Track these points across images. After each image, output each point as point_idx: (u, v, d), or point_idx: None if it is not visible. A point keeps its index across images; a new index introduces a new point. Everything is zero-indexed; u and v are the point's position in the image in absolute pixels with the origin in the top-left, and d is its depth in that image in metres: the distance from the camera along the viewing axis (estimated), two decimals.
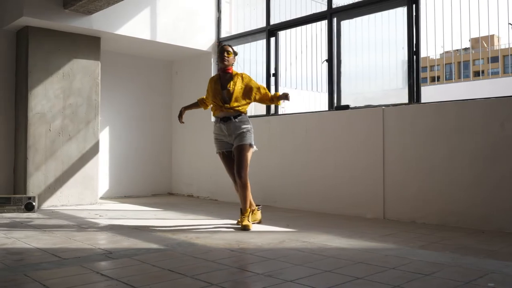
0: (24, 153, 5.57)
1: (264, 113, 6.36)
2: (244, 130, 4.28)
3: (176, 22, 6.56)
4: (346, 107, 5.28)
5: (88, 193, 6.00)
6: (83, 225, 4.38)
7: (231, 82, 4.33)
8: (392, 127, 4.79)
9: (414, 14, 4.84)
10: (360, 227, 4.29)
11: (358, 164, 5.05)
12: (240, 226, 4.26)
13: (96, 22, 5.80)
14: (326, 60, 5.58)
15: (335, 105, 5.49)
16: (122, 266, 2.84)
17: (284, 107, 7.56)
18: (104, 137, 6.75)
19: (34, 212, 5.18)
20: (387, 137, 4.83)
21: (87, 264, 2.86)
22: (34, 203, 5.18)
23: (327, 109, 5.60)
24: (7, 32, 5.80)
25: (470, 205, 4.24)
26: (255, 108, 7.34)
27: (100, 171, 6.43)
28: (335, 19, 5.55)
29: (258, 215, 4.54)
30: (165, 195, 7.43)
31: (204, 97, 4.72)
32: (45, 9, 5.39)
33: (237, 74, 4.42)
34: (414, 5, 4.84)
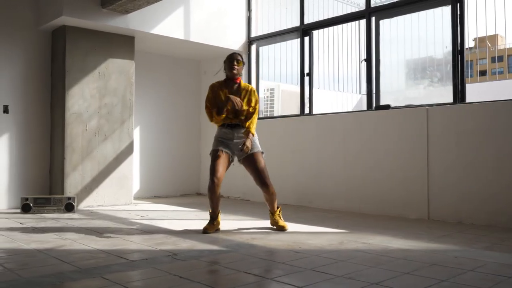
0: (61, 153, 5.54)
1: (298, 113, 6.32)
2: (254, 139, 4.19)
3: (208, 21, 6.53)
4: (387, 106, 5.24)
5: (123, 193, 5.98)
6: (131, 226, 4.35)
7: (241, 96, 4.18)
8: (437, 127, 4.76)
9: (458, 13, 4.81)
10: (409, 227, 4.26)
11: (400, 164, 5.01)
12: (275, 227, 4.23)
13: (132, 22, 5.77)
14: (365, 60, 5.55)
15: (374, 105, 5.45)
16: (195, 268, 2.81)
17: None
18: (135, 137, 6.72)
19: (74, 212, 5.15)
20: (432, 137, 4.79)
21: (159, 266, 2.83)
22: (74, 204, 5.15)
23: (365, 108, 5.57)
24: (42, 32, 5.77)
25: None
26: (287, 108, 7.32)
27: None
28: (373, 18, 5.51)
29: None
30: (193, 195, 7.41)
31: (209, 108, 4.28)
32: (84, 8, 5.37)
33: (246, 87, 4.26)
34: (458, 4, 4.81)
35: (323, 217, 4.94)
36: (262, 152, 4.24)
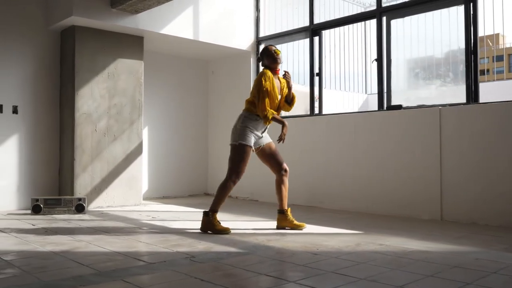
0: (71, 154, 5.52)
1: (305, 113, 6.29)
2: None
3: (217, 21, 6.51)
4: (399, 107, 5.21)
5: (133, 193, 5.95)
6: (143, 227, 4.32)
7: (281, 84, 4.25)
8: (450, 127, 4.73)
9: (472, 13, 4.78)
10: (423, 228, 4.23)
11: (412, 165, 4.98)
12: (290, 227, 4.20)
13: (141, 22, 5.75)
14: (376, 60, 5.52)
15: (386, 105, 5.43)
16: (215, 270, 2.78)
17: None
18: (143, 137, 6.69)
19: (84, 213, 5.13)
20: (445, 137, 4.76)
21: (178, 268, 2.80)
22: (84, 205, 5.12)
23: (372, 108, 5.54)
24: (51, 32, 5.75)
25: None
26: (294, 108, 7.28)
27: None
28: (384, 18, 5.48)
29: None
30: (201, 195, 7.38)
31: (268, 106, 4.10)
32: (94, 8, 5.34)
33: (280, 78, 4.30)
34: (471, 4, 4.78)
35: (335, 218, 4.92)
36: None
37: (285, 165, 4.29)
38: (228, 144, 4.33)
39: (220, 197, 4.12)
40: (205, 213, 4.09)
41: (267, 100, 4.05)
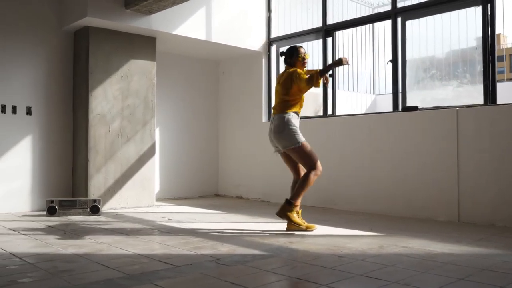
0: (84, 155, 5.50)
1: (315, 114, 6.27)
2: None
3: (229, 22, 6.49)
4: (415, 108, 5.19)
5: (146, 195, 5.93)
6: (161, 229, 4.30)
7: None
8: (468, 128, 4.71)
9: (489, 13, 4.76)
10: (443, 230, 4.22)
11: (429, 166, 4.97)
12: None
13: (154, 22, 5.73)
14: (391, 61, 5.50)
15: (401, 106, 5.41)
16: (244, 274, 2.76)
17: None
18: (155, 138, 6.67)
19: (99, 215, 5.11)
20: (462, 138, 4.74)
21: (206, 271, 2.78)
22: (99, 206, 5.10)
23: (381, 109, 5.52)
24: (64, 33, 5.73)
25: None
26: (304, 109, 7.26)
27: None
28: (399, 19, 5.46)
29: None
30: (212, 196, 7.36)
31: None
32: (108, 9, 5.32)
33: None
34: (489, 5, 4.76)
35: (352, 220, 4.90)
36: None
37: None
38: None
39: (302, 190, 4.16)
40: (287, 201, 4.15)
41: (305, 78, 4.12)
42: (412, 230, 4.25)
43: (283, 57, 4.40)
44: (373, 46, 10.51)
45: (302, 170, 4.31)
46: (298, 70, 4.23)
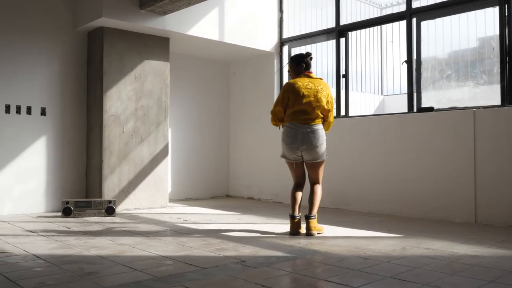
0: (99, 156, 5.49)
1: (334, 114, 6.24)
2: None
3: (241, 22, 6.48)
4: (430, 109, 5.18)
5: (159, 196, 5.93)
6: (180, 231, 4.29)
7: None
8: (485, 129, 4.69)
9: (506, 14, 4.74)
10: (462, 232, 4.20)
11: (444, 167, 4.95)
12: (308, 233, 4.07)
13: (168, 23, 5.72)
14: (406, 61, 5.49)
15: (416, 107, 5.39)
16: (273, 276, 2.75)
17: None
18: None
19: (115, 216, 5.10)
20: (479, 139, 4.72)
21: (234, 273, 2.77)
22: (114, 207, 5.10)
23: (405, 111, 5.51)
24: (78, 34, 5.72)
25: None
26: None
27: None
28: (414, 20, 5.44)
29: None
30: (223, 197, 7.35)
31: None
32: (123, 9, 5.32)
33: None
34: (506, 5, 4.74)
35: (367, 221, 4.88)
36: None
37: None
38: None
39: (319, 201, 4.25)
40: (311, 217, 4.06)
41: None
42: (431, 231, 4.24)
43: (309, 59, 4.31)
44: (381, 47, 10.50)
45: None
46: None
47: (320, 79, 4.29)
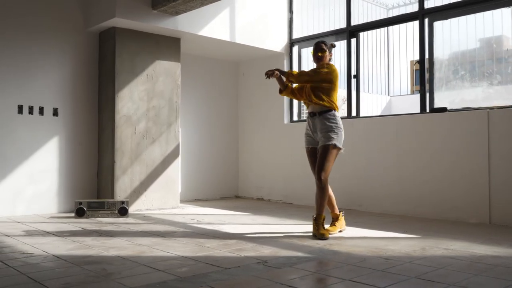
0: (111, 157, 5.48)
1: (345, 115, 6.25)
2: (329, 129, 3.99)
3: (252, 23, 6.48)
4: (444, 109, 5.17)
5: (170, 196, 5.92)
6: (196, 231, 4.28)
7: None
8: (499, 130, 4.68)
9: None
10: (478, 232, 4.20)
11: (458, 168, 4.94)
12: (314, 234, 3.94)
13: (180, 23, 5.72)
14: (418, 62, 5.48)
15: (429, 107, 5.38)
16: (297, 276, 2.74)
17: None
18: None
19: (127, 216, 5.09)
20: (493, 140, 4.71)
21: (257, 274, 2.76)
22: (127, 208, 5.09)
23: (418, 111, 5.50)
24: (89, 34, 5.71)
25: None
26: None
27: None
28: (426, 20, 5.44)
29: (343, 221, 4.28)
30: (232, 198, 7.34)
31: (296, 86, 4.29)
32: (135, 10, 5.31)
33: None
34: None
35: (382, 222, 4.88)
36: (335, 146, 3.98)
37: (319, 175, 3.97)
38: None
39: (323, 202, 4.09)
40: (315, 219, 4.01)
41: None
42: (447, 232, 4.23)
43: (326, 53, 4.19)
44: (387, 47, 10.49)
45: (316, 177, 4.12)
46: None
47: None
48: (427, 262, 3.06)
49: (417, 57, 10.77)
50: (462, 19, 5.20)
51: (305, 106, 4.37)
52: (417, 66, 5.53)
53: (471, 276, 2.71)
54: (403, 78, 10.11)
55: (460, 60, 5.34)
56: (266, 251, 3.42)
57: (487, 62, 5.09)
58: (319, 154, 4.02)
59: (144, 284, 2.55)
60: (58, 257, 3.19)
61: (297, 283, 2.59)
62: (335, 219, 4.24)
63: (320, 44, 4.19)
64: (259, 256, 3.23)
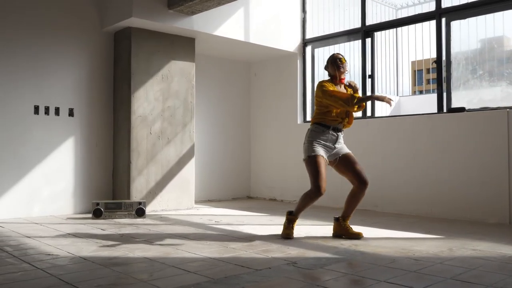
0: (127, 157, 5.46)
1: (360, 115, 6.22)
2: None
3: (265, 23, 6.45)
4: (462, 109, 5.14)
5: (185, 197, 5.89)
6: (217, 232, 4.25)
7: None
8: None
9: None
10: (501, 232, 4.18)
11: (476, 168, 4.91)
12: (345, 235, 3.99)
13: (196, 23, 5.69)
14: (435, 61, 5.45)
15: (446, 107, 5.35)
16: (331, 277, 2.71)
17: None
18: None
19: (144, 217, 5.07)
20: None
21: (290, 275, 2.74)
22: (144, 209, 5.06)
23: (435, 111, 5.47)
24: (105, 34, 5.69)
25: None
26: None
27: None
28: (443, 19, 5.41)
29: (338, 225, 4.17)
30: (244, 198, 7.32)
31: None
32: (152, 10, 5.29)
33: (348, 88, 4.10)
34: None
35: (401, 222, 4.85)
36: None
37: (365, 177, 4.03)
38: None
39: (300, 205, 4.04)
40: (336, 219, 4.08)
41: (339, 95, 3.86)
42: (470, 232, 4.20)
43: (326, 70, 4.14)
44: (396, 48, 10.47)
45: (356, 182, 4.09)
46: (329, 87, 3.95)
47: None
48: (458, 263, 3.03)
49: (419, 57, 10.72)
50: (481, 18, 5.17)
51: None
52: (434, 65, 5.49)
53: (506, 277, 2.69)
54: (405, 79, 10.07)
55: (478, 60, 5.31)
56: (292, 252, 3.39)
57: (507, 61, 5.06)
58: (354, 160, 4.13)
59: (178, 286, 2.52)
60: (84, 259, 3.16)
61: (332, 284, 2.57)
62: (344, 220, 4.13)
63: (339, 55, 4.10)
64: (287, 257, 3.20)
